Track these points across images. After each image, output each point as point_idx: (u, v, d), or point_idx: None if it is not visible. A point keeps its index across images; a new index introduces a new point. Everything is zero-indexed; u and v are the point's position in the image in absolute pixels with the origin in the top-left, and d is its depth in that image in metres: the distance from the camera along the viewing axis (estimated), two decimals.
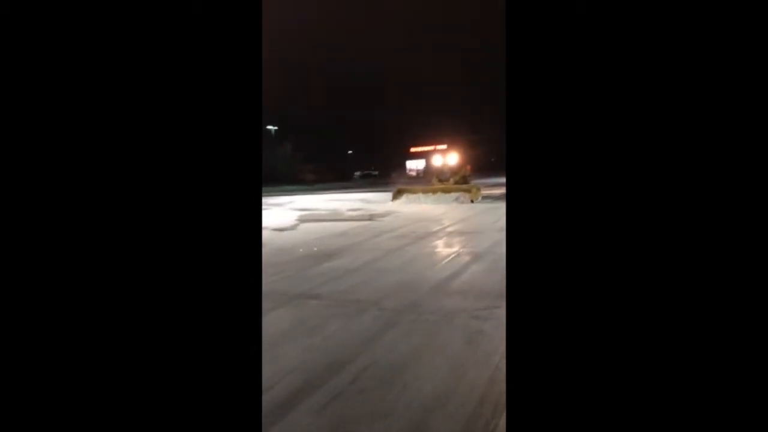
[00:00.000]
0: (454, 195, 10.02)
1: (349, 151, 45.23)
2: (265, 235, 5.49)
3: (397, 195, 11.00)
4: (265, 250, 4.47)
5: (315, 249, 4.54)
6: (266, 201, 13.38)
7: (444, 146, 13.18)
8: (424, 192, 10.61)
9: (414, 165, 15.75)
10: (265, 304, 2.58)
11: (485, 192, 10.77)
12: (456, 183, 11.46)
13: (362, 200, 12.43)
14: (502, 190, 12.00)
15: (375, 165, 39.08)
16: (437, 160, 12.55)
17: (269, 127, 36.83)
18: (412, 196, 10.66)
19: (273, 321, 2.35)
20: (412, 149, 14.06)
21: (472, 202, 9.46)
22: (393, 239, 5.04)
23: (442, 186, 10.96)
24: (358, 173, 39.74)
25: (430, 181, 12.21)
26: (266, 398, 1.48)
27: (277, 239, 5.29)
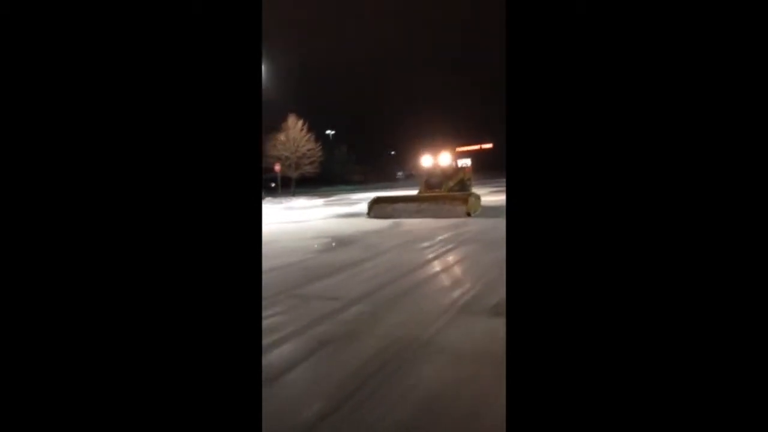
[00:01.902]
0: (444, 207, 7.50)
1: (392, 152, 47.53)
2: (391, 221, 7.65)
3: (373, 208, 8.23)
4: (405, 226, 6.65)
5: (439, 224, 6.69)
6: (351, 197, 16.63)
7: (490, 145, 13.85)
8: (408, 203, 8.01)
9: (460, 164, 17.22)
10: (452, 244, 4.79)
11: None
12: (451, 190, 8.98)
13: None
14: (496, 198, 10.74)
15: (414, 165, 40.93)
16: (427, 161, 9.94)
17: (328, 132, 40.01)
18: (394, 208, 8.00)
19: (473, 247, 4.54)
20: (458, 149, 14.85)
21: (468, 215, 7.29)
22: (487, 219, 7.15)
23: (432, 194, 8.50)
24: (400, 173, 42.01)
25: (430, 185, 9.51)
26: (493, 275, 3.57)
27: (402, 221, 7.47)
